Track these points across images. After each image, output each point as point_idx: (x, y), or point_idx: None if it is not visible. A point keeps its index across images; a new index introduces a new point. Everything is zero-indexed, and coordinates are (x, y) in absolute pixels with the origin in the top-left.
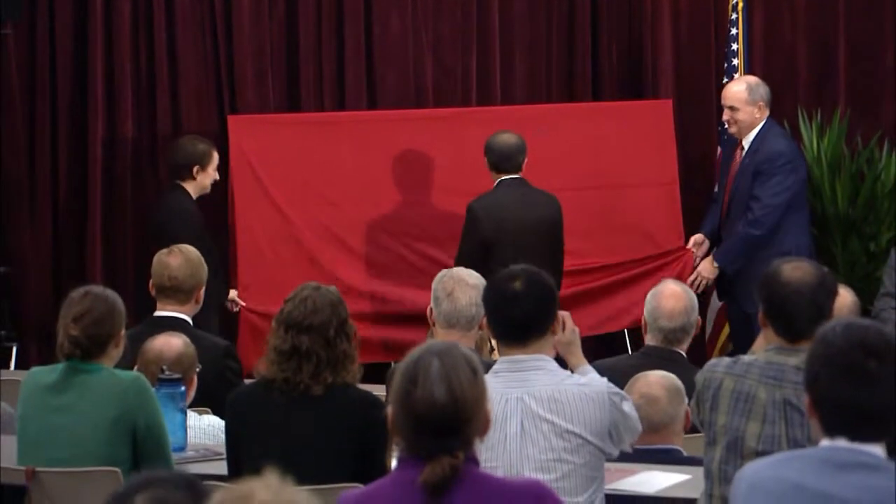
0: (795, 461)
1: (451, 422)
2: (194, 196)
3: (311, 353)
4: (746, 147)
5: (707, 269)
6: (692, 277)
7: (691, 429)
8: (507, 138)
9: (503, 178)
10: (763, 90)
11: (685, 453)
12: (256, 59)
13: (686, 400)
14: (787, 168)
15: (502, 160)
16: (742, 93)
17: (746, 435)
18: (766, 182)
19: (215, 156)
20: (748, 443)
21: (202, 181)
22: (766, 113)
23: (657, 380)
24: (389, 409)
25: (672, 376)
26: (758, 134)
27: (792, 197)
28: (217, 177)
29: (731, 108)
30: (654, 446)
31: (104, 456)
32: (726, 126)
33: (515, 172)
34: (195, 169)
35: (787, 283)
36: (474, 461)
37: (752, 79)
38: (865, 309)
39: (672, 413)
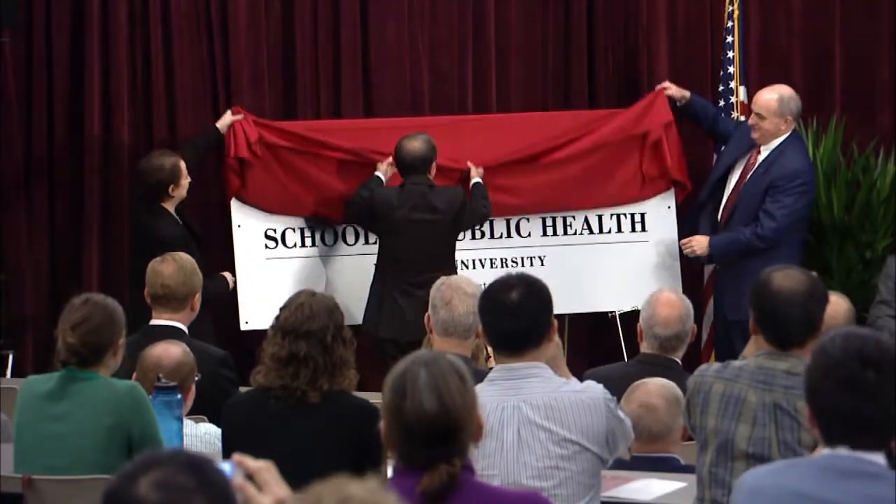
0: (796, 469)
1: (444, 431)
2: (173, 209)
3: (308, 359)
4: (765, 154)
5: (702, 245)
6: (687, 240)
7: (690, 437)
8: (415, 146)
9: (409, 178)
10: (794, 104)
11: (683, 461)
12: (253, 64)
13: None
14: (801, 189)
15: (406, 168)
16: (772, 102)
17: (736, 437)
18: (779, 200)
19: (182, 165)
20: (738, 445)
21: (179, 193)
22: (792, 126)
23: (656, 389)
24: (381, 423)
25: (671, 384)
26: (778, 146)
27: (799, 219)
28: (189, 179)
29: (759, 116)
30: (652, 454)
31: (100, 464)
32: (752, 131)
33: (421, 175)
34: (170, 188)
35: (778, 292)
36: (470, 469)
37: (787, 91)
38: (861, 316)
39: (670, 422)
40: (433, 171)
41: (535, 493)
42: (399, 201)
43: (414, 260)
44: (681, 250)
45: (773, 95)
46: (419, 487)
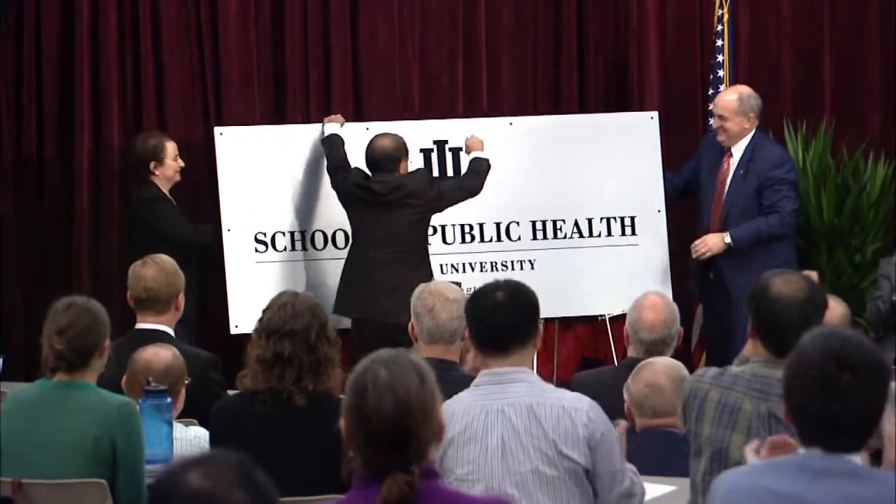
0: (773, 469)
1: (402, 430)
2: (164, 189)
3: (293, 359)
4: (738, 157)
5: (717, 242)
6: (697, 243)
7: None
8: (383, 143)
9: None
10: (754, 102)
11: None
12: (242, 68)
13: None
14: (792, 174)
15: (373, 165)
16: (733, 103)
17: (731, 446)
18: (780, 189)
19: (169, 147)
20: (732, 454)
21: (164, 173)
22: (756, 124)
23: (663, 369)
24: (342, 423)
25: (678, 364)
26: (749, 144)
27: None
28: (182, 164)
29: (721, 117)
30: (656, 428)
31: (86, 475)
32: (716, 134)
33: (389, 173)
34: (152, 165)
35: (777, 298)
36: (432, 474)
37: (745, 90)
38: (853, 321)
39: (675, 402)
40: (402, 169)
41: (498, 498)
42: (362, 193)
43: (374, 241)
44: (671, 254)
45: (733, 96)
46: (378, 499)
